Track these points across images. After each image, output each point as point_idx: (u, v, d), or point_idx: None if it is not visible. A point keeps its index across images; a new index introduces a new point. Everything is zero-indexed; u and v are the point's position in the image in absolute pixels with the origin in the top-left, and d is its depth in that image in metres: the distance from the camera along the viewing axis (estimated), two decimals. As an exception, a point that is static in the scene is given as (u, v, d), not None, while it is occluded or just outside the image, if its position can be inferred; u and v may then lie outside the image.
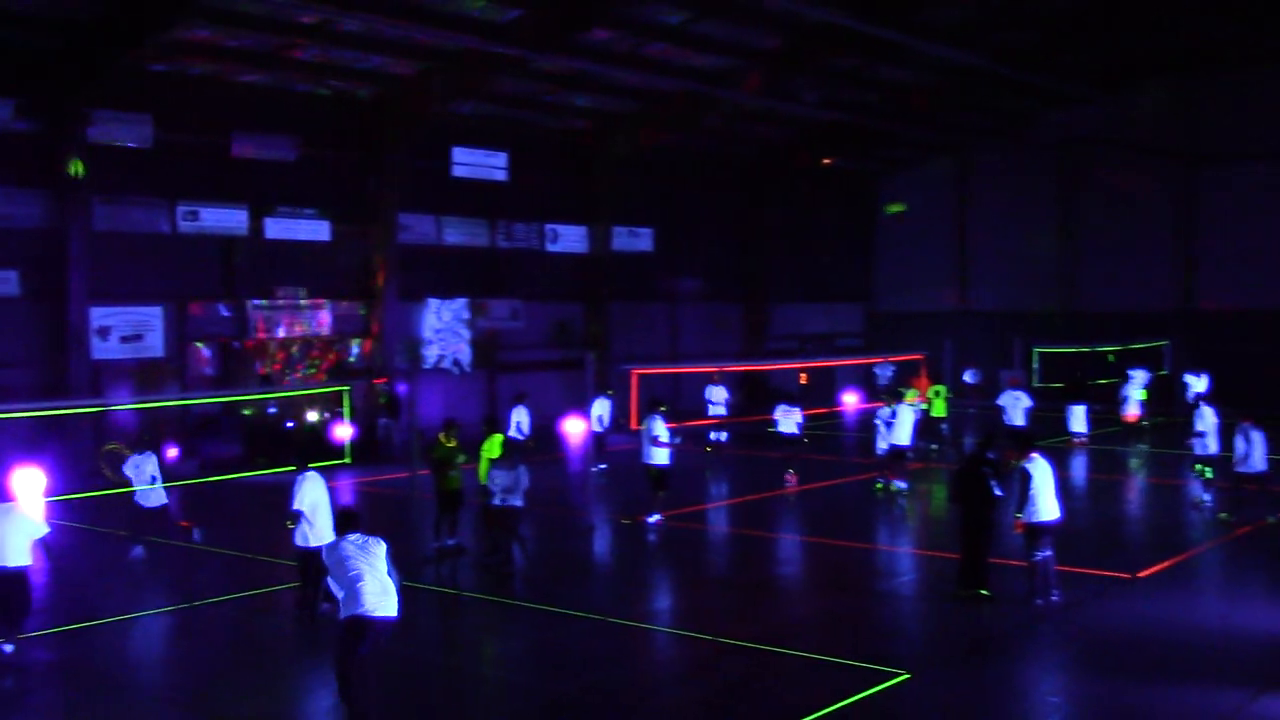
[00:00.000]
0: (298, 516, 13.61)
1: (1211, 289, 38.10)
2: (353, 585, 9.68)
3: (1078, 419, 28.99)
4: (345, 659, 9.72)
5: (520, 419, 24.39)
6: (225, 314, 27.88)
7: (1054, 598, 13.91)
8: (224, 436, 26.85)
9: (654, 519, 19.37)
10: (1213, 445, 20.34)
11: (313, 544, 13.51)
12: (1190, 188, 38.41)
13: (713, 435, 28.22)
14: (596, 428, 25.87)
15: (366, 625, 9.64)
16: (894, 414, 22.05)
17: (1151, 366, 34.97)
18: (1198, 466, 20.70)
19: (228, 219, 27.71)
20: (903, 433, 22.05)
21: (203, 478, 24.80)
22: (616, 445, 26.92)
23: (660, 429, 19.65)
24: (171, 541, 17.61)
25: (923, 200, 44.47)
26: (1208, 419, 20.58)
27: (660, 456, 19.56)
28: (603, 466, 25.33)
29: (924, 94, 36.56)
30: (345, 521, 10.34)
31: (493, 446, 17.25)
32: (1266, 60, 36.22)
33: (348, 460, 27.41)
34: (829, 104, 34.71)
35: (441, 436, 17.59)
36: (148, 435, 19.73)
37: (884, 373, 37.20)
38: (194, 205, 27.14)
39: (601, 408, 26.08)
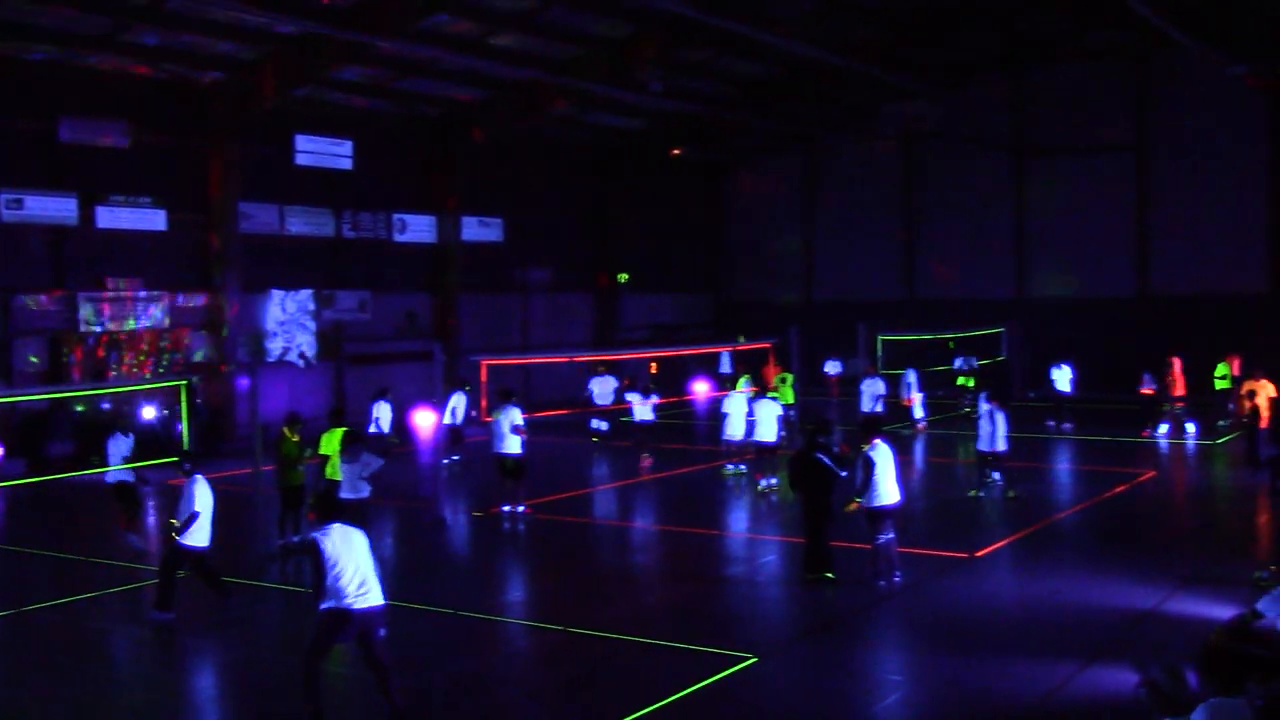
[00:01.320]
0: (193, 518, 13.37)
1: (1043, 278, 39.64)
2: (334, 577, 9.50)
3: (916, 405, 29.89)
4: (316, 651, 9.62)
5: (382, 414, 24.00)
6: (54, 307, 26.73)
7: (896, 579, 14.32)
8: (56, 434, 25.81)
9: (521, 509, 19.28)
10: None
11: (195, 545, 13.41)
12: (1023, 180, 39.88)
13: (594, 424, 28.10)
14: (448, 420, 25.57)
15: (346, 618, 9.53)
16: (750, 408, 21.76)
17: (985, 354, 36.19)
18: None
19: (56, 207, 26.53)
20: (765, 428, 21.62)
21: (32, 477, 23.79)
22: (470, 438, 26.69)
23: (518, 418, 19.58)
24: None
25: (771, 192, 45.18)
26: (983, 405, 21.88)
27: (515, 446, 19.48)
28: (455, 458, 25.07)
29: (771, 86, 37.12)
30: (328, 509, 9.98)
31: (333, 439, 16.93)
32: (1090, 56, 37.81)
33: (187, 457, 26.60)
34: (678, 94, 34.98)
35: (285, 430, 17.21)
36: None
37: (723, 361, 37.44)
38: (19, 193, 25.90)
39: (457, 401, 25.78)
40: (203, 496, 13.53)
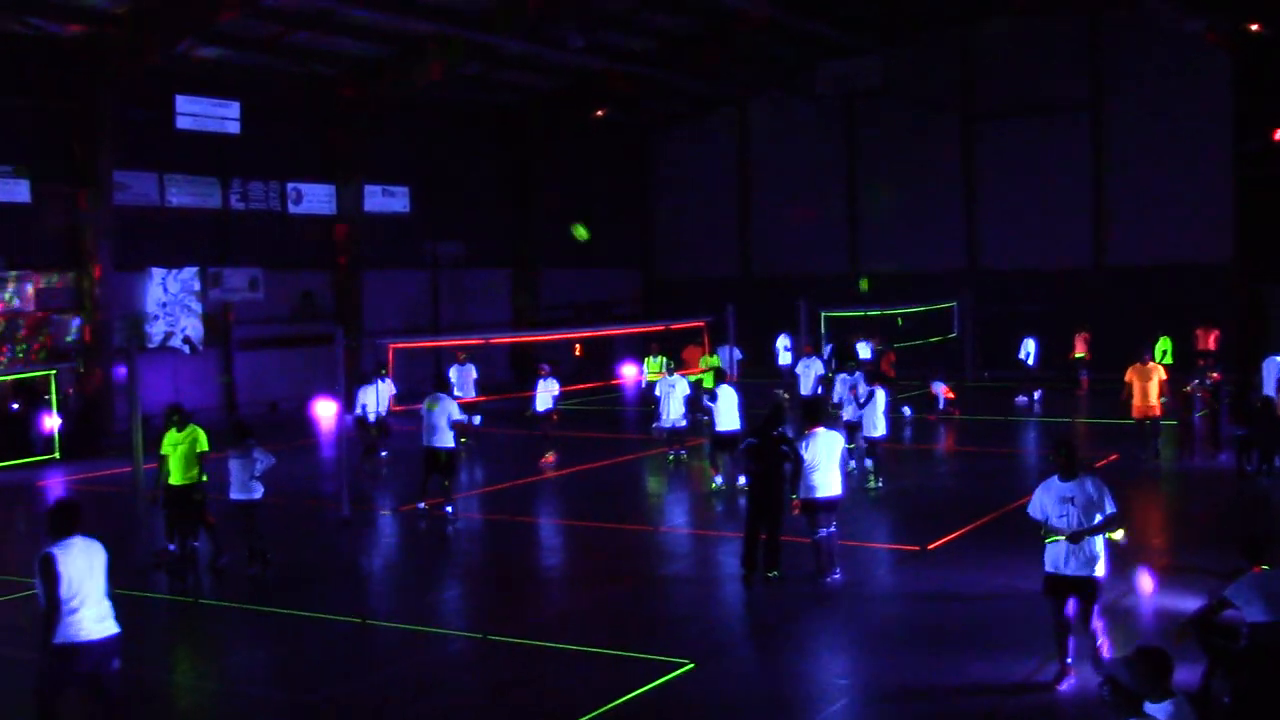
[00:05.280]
0: None
1: (993, 248, 40.16)
2: (70, 603, 8.71)
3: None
4: (50, 695, 8.84)
5: (368, 400, 23.42)
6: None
7: (836, 575, 14.45)
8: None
9: (449, 509, 19.03)
10: (849, 413, 21.54)
11: None
12: (972, 142, 40.34)
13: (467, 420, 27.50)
14: (375, 411, 25.05)
15: (81, 652, 8.78)
16: (714, 395, 21.15)
17: (938, 331, 36.58)
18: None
19: (-96, 178, 25.86)
20: (725, 416, 20.77)
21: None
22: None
23: (457, 410, 19.34)
24: None
25: (702, 157, 45.23)
26: (840, 390, 22.39)
27: (450, 439, 19.18)
28: (383, 453, 24.61)
29: (700, 41, 37.14)
30: (67, 520, 9.06)
31: (173, 438, 16.28)
32: (1041, 8, 38.25)
33: (57, 455, 26.15)
34: (599, 51, 34.85)
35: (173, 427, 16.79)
36: None
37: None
38: None
39: (379, 390, 25.17)
40: None
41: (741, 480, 19.78)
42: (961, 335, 37.72)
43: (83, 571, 8.84)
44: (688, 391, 23.67)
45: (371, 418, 23.86)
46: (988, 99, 39.81)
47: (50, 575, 8.75)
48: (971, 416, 29.45)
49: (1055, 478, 10.90)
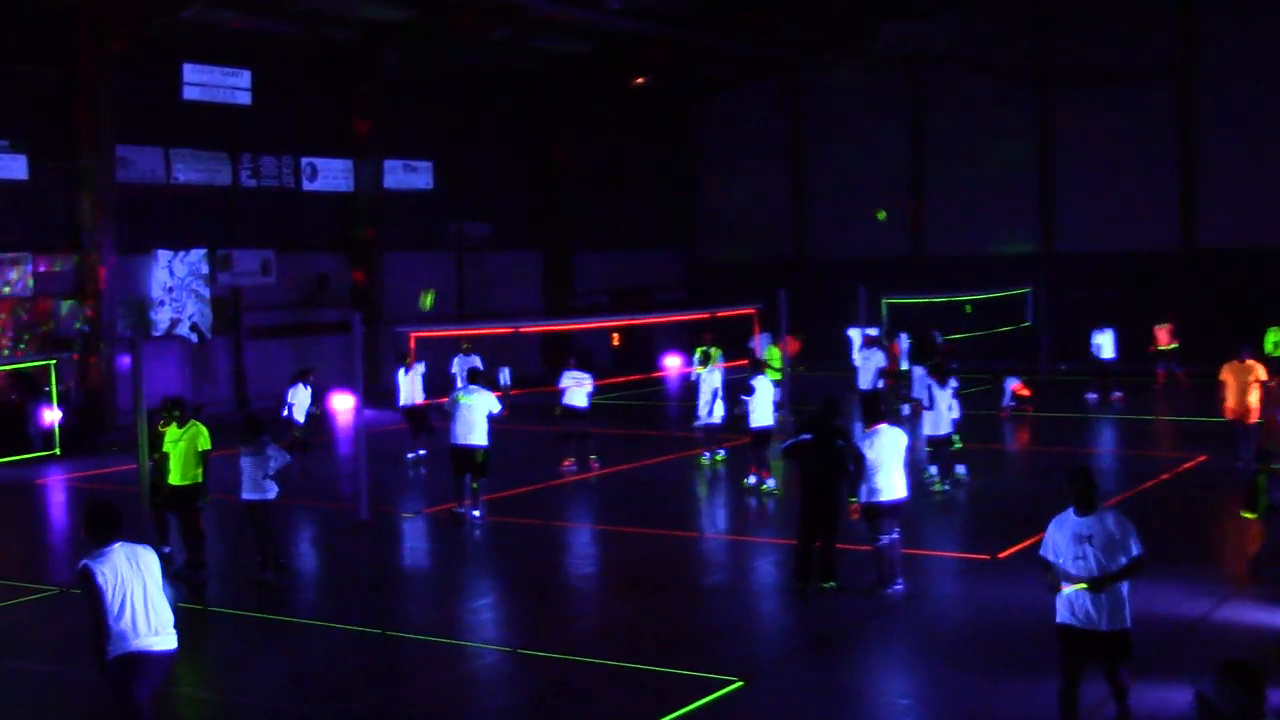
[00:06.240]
0: None
1: (1071, 229, 39.83)
2: (117, 616, 8.76)
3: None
4: (126, 711, 8.89)
5: (300, 400, 23.53)
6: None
7: (897, 587, 14.40)
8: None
9: (476, 513, 19.04)
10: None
11: None
12: (1048, 113, 40.03)
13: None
14: (405, 401, 25.16)
15: (143, 662, 8.85)
16: (751, 387, 21.16)
17: (1010, 319, 36.39)
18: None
19: (-107, 153, 26.20)
20: (760, 410, 20.99)
21: None
22: (388, 423, 26.58)
23: (495, 404, 19.35)
24: None
25: (751, 129, 45.10)
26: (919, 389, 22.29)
27: (485, 437, 19.13)
28: (422, 451, 24.73)
29: (748, 1, 37.02)
30: (106, 525, 9.02)
31: (172, 434, 16.29)
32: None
33: (57, 451, 26.41)
34: (639, 13, 34.79)
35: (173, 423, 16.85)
36: None
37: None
38: None
39: (410, 379, 25.30)
40: None
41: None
42: (1035, 324, 37.47)
43: (128, 580, 8.85)
44: (717, 385, 23.63)
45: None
46: (1066, 66, 39.47)
47: (90, 590, 8.77)
48: (1047, 414, 29.28)
49: (1070, 511, 9.71)
